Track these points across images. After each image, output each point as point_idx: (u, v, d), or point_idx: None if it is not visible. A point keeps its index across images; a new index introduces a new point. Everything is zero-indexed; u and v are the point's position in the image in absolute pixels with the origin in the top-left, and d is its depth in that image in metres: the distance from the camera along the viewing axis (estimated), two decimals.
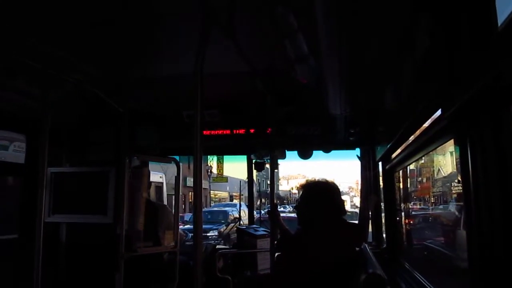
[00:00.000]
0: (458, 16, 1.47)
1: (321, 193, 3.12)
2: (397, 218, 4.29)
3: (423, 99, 2.04)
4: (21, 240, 3.81)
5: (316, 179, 3.34)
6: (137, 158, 3.93)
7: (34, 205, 3.04)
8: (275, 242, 3.37)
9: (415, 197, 4.39)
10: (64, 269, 4.22)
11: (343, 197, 3.37)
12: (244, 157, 5.97)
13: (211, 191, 34.46)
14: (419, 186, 4.20)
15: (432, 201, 3.73)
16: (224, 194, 38.61)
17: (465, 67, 1.41)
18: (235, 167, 32.68)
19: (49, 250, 3.32)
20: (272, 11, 2.03)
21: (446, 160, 2.85)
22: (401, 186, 4.34)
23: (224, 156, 27.24)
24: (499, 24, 1.12)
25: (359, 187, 6.03)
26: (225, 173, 34.92)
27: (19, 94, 3.24)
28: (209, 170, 31.15)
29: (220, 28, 2.08)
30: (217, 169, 33.50)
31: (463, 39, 1.43)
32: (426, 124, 2.09)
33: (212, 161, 31.90)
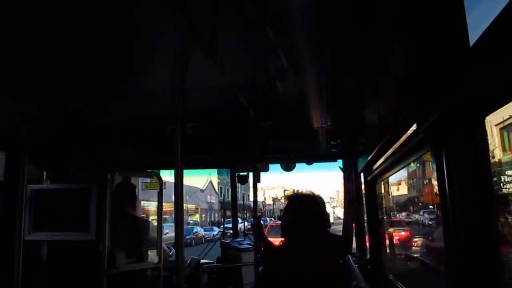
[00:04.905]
0: (433, 36, 1.53)
1: (307, 205, 3.12)
2: (380, 229, 4.33)
3: (401, 113, 2.09)
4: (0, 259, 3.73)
5: (300, 190, 3.36)
6: (119, 173, 3.89)
7: (13, 223, 2.98)
8: (259, 255, 3.37)
9: (398, 207, 4.44)
10: None
11: None
12: None
13: (146, 202, 23.19)
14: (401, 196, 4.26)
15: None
16: (168, 207, 27.79)
17: (439, 84, 1.46)
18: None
19: (29, 268, 3.25)
20: (253, 27, 2.07)
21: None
22: (383, 196, 4.39)
23: None
24: (470, 43, 1.17)
25: (340, 197, 6.08)
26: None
27: None
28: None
29: (203, 44, 2.10)
30: None
31: (437, 57, 1.49)
32: (404, 137, 2.14)
33: None
